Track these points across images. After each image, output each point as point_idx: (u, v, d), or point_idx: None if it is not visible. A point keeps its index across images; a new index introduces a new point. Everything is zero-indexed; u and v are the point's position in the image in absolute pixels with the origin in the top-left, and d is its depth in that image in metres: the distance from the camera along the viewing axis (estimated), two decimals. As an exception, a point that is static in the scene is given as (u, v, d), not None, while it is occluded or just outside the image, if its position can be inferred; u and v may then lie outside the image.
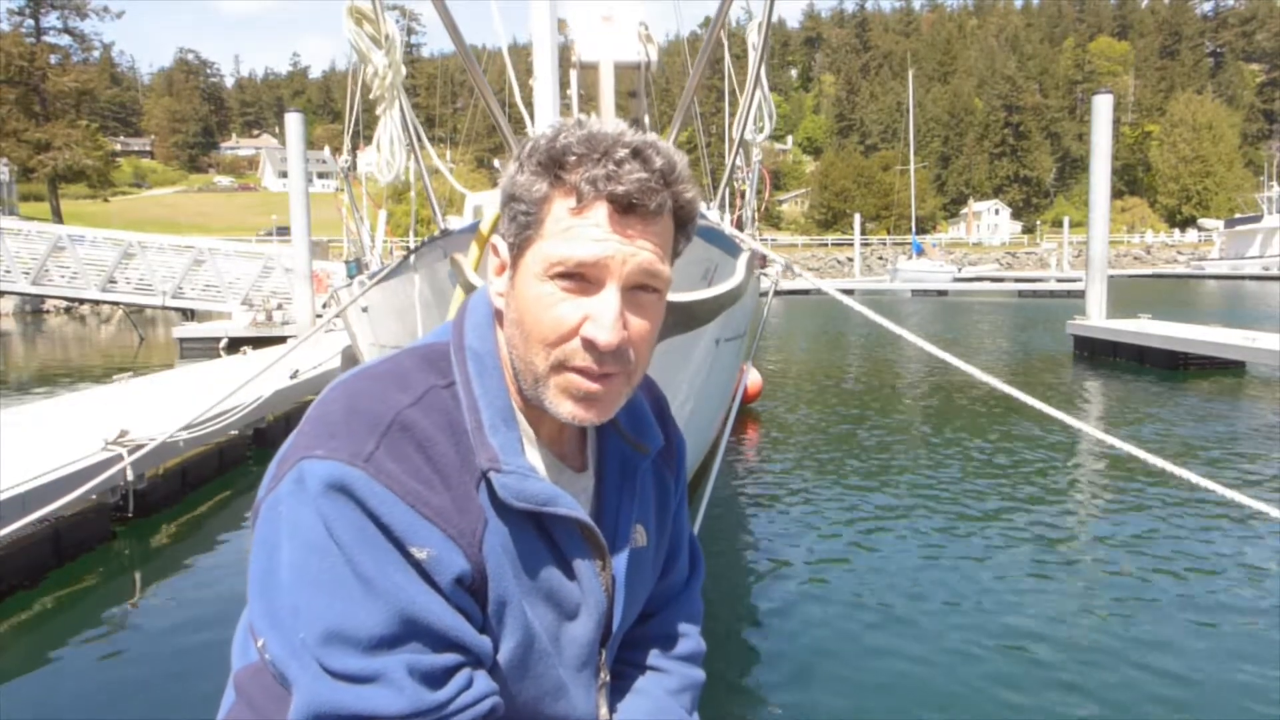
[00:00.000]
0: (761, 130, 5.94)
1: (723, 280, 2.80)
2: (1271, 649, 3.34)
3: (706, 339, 3.87)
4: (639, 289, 0.92)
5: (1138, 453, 2.62)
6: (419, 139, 3.81)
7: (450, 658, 0.88)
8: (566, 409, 0.93)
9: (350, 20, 3.20)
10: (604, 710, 1.08)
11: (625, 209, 0.89)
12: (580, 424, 0.95)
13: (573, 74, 5.86)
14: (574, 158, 0.90)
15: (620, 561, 1.06)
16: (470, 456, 0.93)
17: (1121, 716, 2.90)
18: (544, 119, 3.54)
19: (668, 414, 1.23)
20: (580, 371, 0.91)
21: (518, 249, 0.94)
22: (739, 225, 7.92)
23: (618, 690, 1.13)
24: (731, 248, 3.37)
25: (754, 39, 4.88)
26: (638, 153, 0.90)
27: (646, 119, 7.35)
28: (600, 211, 0.89)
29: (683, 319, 2.33)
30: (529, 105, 4.00)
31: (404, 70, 3.37)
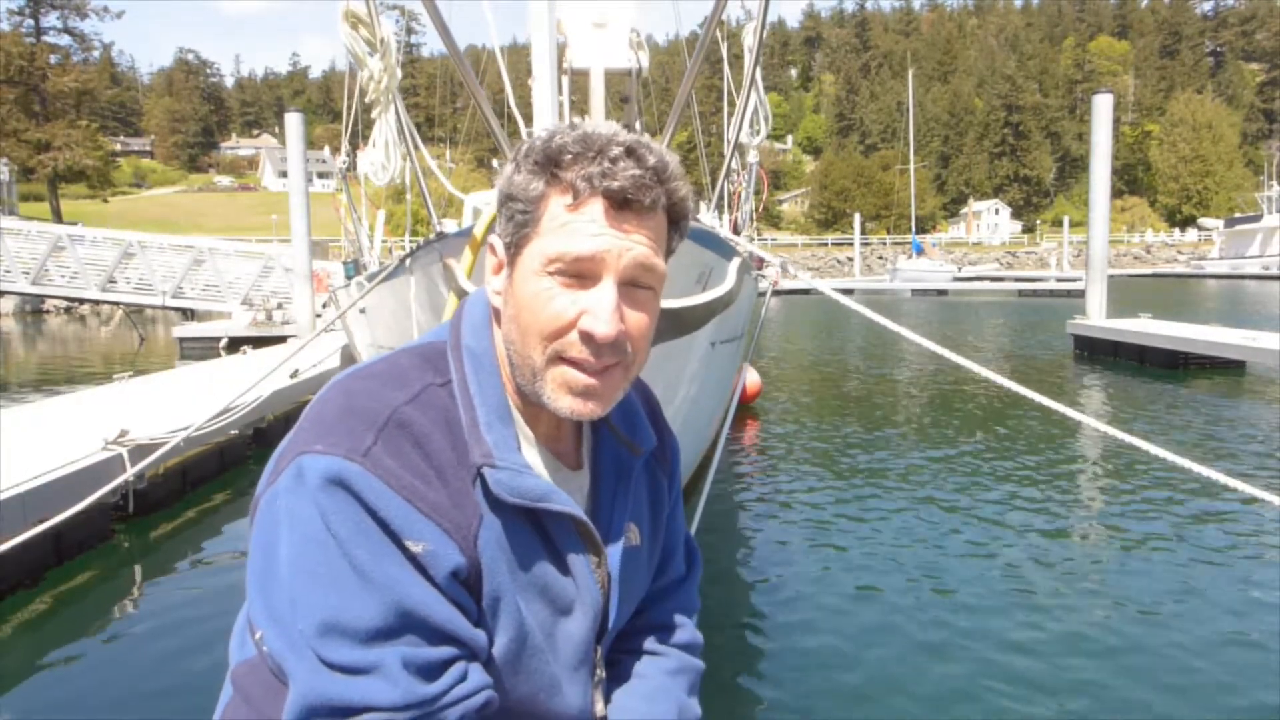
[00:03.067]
0: (758, 132, 5.95)
1: (716, 284, 2.82)
2: (1274, 642, 3.35)
3: (701, 342, 3.89)
4: (635, 284, 0.94)
5: (1138, 442, 2.63)
6: (414, 142, 3.82)
7: (445, 650, 0.89)
8: (565, 403, 0.94)
9: (345, 24, 3.20)
10: (600, 706, 1.09)
11: (620, 204, 0.91)
12: (578, 418, 0.96)
13: (564, 80, 5.88)
14: (570, 156, 0.91)
15: (614, 558, 1.07)
16: (466, 453, 0.94)
17: (1127, 713, 2.92)
18: (543, 122, 3.55)
19: (660, 415, 1.25)
20: (577, 364, 0.93)
21: (515, 247, 0.96)
22: (735, 227, 7.93)
23: (614, 678, 1.14)
24: (726, 251, 3.39)
25: (749, 41, 4.90)
26: (631, 151, 0.92)
27: (639, 124, 7.37)
28: (596, 207, 0.91)
29: (674, 324, 2.35)
30: (523, 107, 4.01)
31: (399, 74, 3.38)
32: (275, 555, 0.89)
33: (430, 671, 0.88)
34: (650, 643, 1.19)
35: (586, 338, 0.91)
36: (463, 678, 0.90)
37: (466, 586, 0.92)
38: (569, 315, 0.91)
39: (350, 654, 0.85)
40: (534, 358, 0.94)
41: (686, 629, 1.23)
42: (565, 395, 0.94)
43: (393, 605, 0.86)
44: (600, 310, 0.90)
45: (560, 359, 0.93)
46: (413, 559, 0.88)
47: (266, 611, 0.90)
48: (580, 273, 0.91)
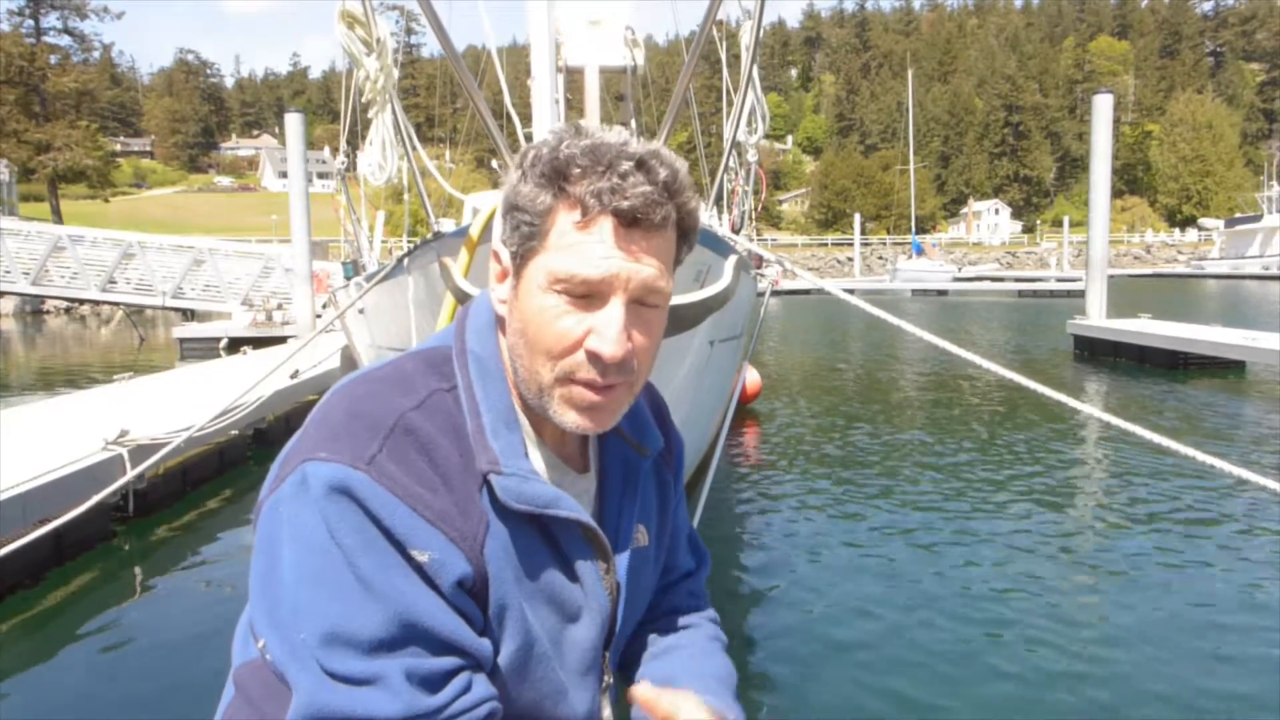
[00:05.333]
0: (755, 131, 5.96)
1: (713, 282, 2.83)
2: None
3: (700, 340, 3.89)
4: (642, 303, 0.93)
5: (1142, 432, 2.63)
6: (411, 142, 3.82)
7: (449, 661, 0.88)
8: (571, 419, 0.94)
9: (342, 24, 3.20)
10: (607, 712, 1.09)
11: (630, 223, 0.89)
12: (584, 433, 0.96)
13: (560, 78, 5.90)
14: (578, 170, 0.89)
15: (623, 563, 1.06)
16: (473, 459, 0.93)
17: (1129, 713, 2.92)
18: (542, 123, 3.55)
19: (666, 416, 1.25)
20: (584, 384, 0.92)
21: (520, 259, 0.95)
22: (734, 226, 7.93)
23: (639, 656, 1.15)
24: (723, 248, 3.38)
25: (747, 39, 4.90)
26: (642, 164, 0.90)
27: (634, 122, 7.38)
28: (605, 226, 0.89)
29: (671, 321, 2.34)
30: (521, 108, 4.02)
31: (396, 74, 3.38)
32: (278, 562, 0.88)
33: (433, 683, 0.87)
34: (678, 619, 1.21)
35: (594, 357, 0.90)
36: (466, 689, 0.89)
37: (472, 595, 0.92)
38: (576, 334, 0.90)
39: (353, 664, 0.84)
40: (541, 374, 0.93)
41: (707, 611, 1.25)
42: (571, 411, 0.94)
43: (396, 616, 0.85)
44: (608, 331, 0.89)
45: (568, 379, 0.92)
46: (418, 568, 0.87)
47: (269, 619, 0.89)
48: (588, 293, 0.90)
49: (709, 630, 1.21)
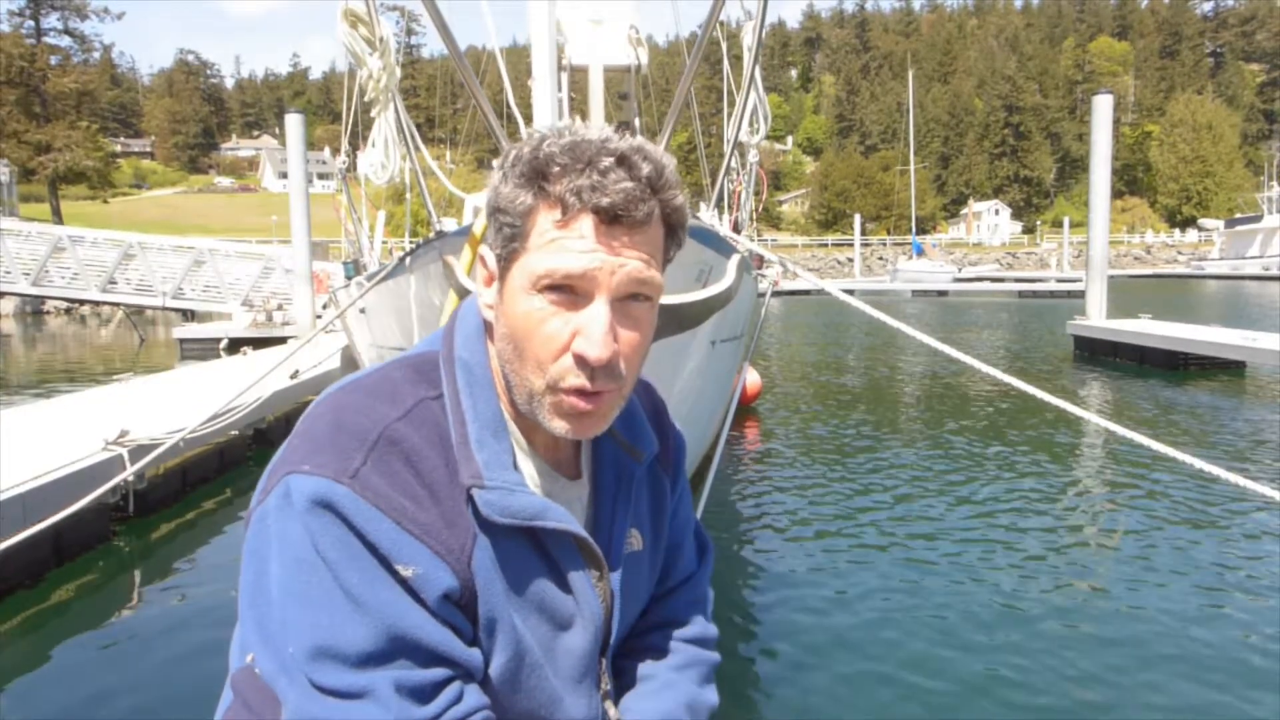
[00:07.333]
0: (756, 132, 5.96)
1: (715, 282, 2.83)
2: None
3: (701, 340, 3.88)
4: (629, 299, 0.90)
5: (1143, 440, 2.63)
6: (414, 141, 3.82)
7: (438, 673, 0.88)
8: (560, 426, 0.92)
9: (344, 23, 3.19)
10: (612, 713, 1.08)
11: (611, 220, 0.87)
12: (575, 438, 0.95)
13: (562, 77, 5.89)
14: (558, 168, 0.87)
15: (616, 570, 1.05)
16: (459, 471, 0.92)
17: (1130, 714, 2.91)
18: (543, 122, 3.55)
19: (664, 417, 1.22)
20: (574, 391, 0.90)
21: (505, 261, 0.93)
22: (735, 226, 7.93)
23: (623, 685, 1.12)
24: (725, 248, 3.38)
25: (748, 40, 4.90)
26: (623, 160, 0.87)
27: (637, 121, 7.38)
28: (586, 223, 0.87)
29: (672, 321, 2.34)
30: (523, 108, 4.02)
31: (398, 73, 3.38)
32: (266, 576, 0.88)
33: (424, 694, 0.86)
34: (657, 639, 1.17)
35: (580, 361, 0.88)
36: (458, 699, 0.89)
37: (460, 607, 0.91)
38: (562, 338, 0.88)
39: (342, 678, 0.84)
40: (531, 381, 0.92)
41: (697, 623, 1.21)
42: (560, 419, 0.92)
43: (385, 629, 0.85)
44: (593, 332, 0.87)
45: (558, 388, 0.90)
46: (403, 582, 0.86)
47: (258, 632, 0.89)
48: (572, 290, 0.88)
49: (682, 657, 1.15)
